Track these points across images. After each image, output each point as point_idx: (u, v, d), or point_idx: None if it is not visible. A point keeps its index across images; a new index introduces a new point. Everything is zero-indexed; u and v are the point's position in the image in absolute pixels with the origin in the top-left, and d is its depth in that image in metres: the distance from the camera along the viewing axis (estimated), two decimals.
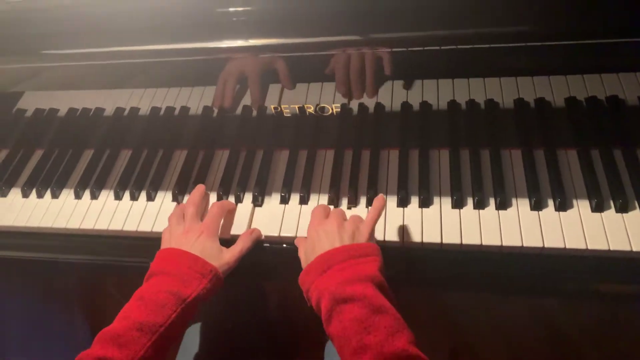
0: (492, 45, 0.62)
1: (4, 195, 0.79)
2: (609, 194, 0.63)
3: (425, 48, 0.64)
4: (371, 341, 0.48)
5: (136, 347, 0.52)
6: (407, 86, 0.75)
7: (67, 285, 1.31)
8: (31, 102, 0.91)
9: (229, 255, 0.63)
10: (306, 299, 0.57)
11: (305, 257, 0.60)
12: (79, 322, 1.31)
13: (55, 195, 0.77)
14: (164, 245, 0.65)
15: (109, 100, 0.87)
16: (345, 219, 0.62)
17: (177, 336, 0.58)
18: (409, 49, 0.63)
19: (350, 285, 0.52)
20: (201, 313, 0.79)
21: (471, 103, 0.74)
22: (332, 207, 0.67)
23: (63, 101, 0.89)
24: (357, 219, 0.62)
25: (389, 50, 0.65)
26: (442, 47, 0.64)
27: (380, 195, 0.63)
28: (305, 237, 0.65)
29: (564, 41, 0.60)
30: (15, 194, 0.79)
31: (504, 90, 0.74)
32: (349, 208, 0.69)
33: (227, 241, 0.66)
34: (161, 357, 0.56)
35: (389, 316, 0.50)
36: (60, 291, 1.29)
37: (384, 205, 0.63)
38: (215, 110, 0.82)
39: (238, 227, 0.69)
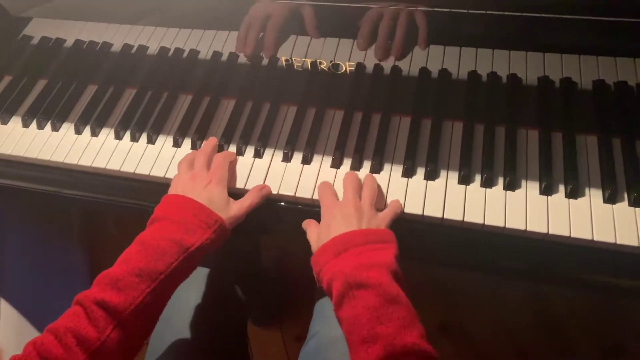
0: (524, 14, 0.58)
1: (4, 122, 0.78)
2: (624, 186, 0.60)
3: (452, 10, 0.60)
4: (383, 331, 0.46)
5: (135, 292, 0.52)
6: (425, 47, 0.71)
7: (67, 219, 1.32)
8: (38, 29, 0.88)
9: (237, 207, 0.61)
10: (316, 279, 0.56)
11: (318, 238, 0.58)
12: (77, 255, 1.33)
13: (55, 128, 0.76)
14: (171, 191, 0.63)
15: (117, 36, 0.85)
16: (359, 196, 0.60)
17: (177, 284, 0.57)
18: (434, 9, 0.59)
19: (366, 271, 0.50)
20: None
21: (493, 76, 0.70)
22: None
23: (70, 32, 0.86)
24: (373, 197, 0.60)
25: (413, 8, 0.61)
26: (470, 11, 0.60)
27: (397, 201, 0.62)
28: (313, 220, 0.62)
29: (600, 17, 0.56)
30: (15, 122, 0.78)
31: (529, 66, 0.71)
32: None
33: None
34: (160, 303, 0.55)
35: (403, 307, 0.48)
36: (60, 224, 1.30)
37: (400, 207, 0.61)
38: (226, 56, 0.79)
39: (237, 181, 0.67)
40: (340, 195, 0.62)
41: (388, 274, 0.50)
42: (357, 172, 0.65)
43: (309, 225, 0.62)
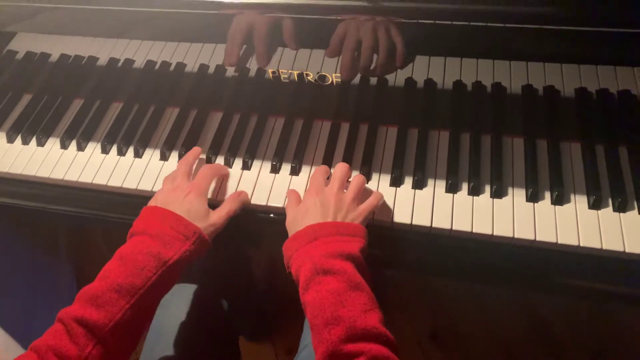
0: (506, 25, 0.59)
1: None
2: (609, 191, 0.61)
3: (436, 22, 0.61)
4: (345, 314, 0.48)
5: (114, 309, 0.51)
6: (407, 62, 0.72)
7: (54, 235, 1.30)
8: (23, 44, 0.87)
9: (216, 216, 0.61)
10: (286, 265, 0.57)
11: (294, 219, 0.59)
12: (65, 272, 1.31)
13: (40, 143, 0.75)
14: (151, 202, 0.63)
15: (103, 50, 0.84)
16: (344, 189, 0.60)
17: (159, 297, 0.57)
18: (419, 21, 0.60)
19: (332, 259, 0.52)
20: (185, 274, 0.79)
21: (478, 85, 0.71)
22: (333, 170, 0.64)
23: (56, 46, 0.86)
24: (357, 192, 0.60)
25: (398, 20, 0.62)
26: (454, 23, 0.61)
27: (379, 192, 0.63)
28: (296, 193, 0.63)
29: (582, 27, 0.57)
30: None
31: (513, 75, 0.72)
32: None
33: (214, 205, 0.64)
34: (142, 318, 0.55)
35: (365, 294, 0.51)
36: (47, 240, 1.28)
37: (381, 198, 0.63)
38: (213, 68, 0.79)
39: (226, 193, 0.67)
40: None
41: (351, 264, 0.53)
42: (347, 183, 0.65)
43: (290, 196, 0.63)
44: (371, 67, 0.70)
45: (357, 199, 0.60)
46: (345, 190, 0.61)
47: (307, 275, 0.52)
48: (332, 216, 0.57)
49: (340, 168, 0.62)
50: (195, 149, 0.69)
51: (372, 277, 0.54)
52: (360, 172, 0.66)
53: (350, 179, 0.63)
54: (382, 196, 0.63)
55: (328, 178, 0.64)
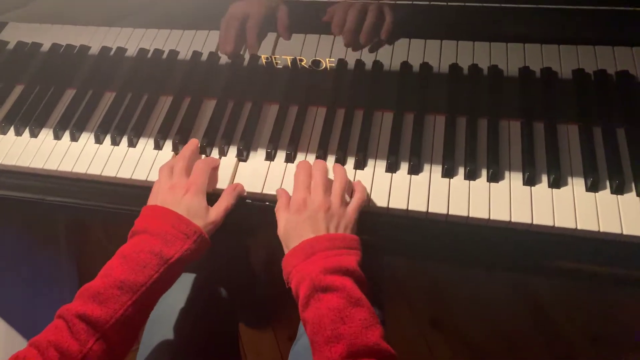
0: (502, 5, 0.58)
1: None
2: (606, 174, 0.61)
3: (432, 2, 0.60)
4: (346, 331, 0.48)
5: (116, 305, 0.52)
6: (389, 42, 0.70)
7: (53, 227, 1.31)
8: (14, 34, 0.86)
9: (215, 213, 0.61)
10: (285, 280, 0.56)
11: (287, 234, 0.58)
12: (65, 263, 1.32)
13: (34, 134, 0.74)
14: (151, 200, 0.63)
15: (95, 39, 0.83)
16: (329, 192, 0.59)
17: (159, 295, 0.57)
18: (414, 2, 0.59)
19: (331, 275, 0.52)
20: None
21: (474, 68, 0.70)
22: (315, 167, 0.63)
23: (47, 36, 0.85)
24: (342, 194, 0.60)
25: (392, 2, 0.61)
26: (450, 4, 0.60)
27: (361, 184, 0.62)
28: (286, 196, 0.62)
29: (579, 6, 0.56)
30: None
31: (509, 57, 0.71)
32: None
33: (208, 195, 0.64)
34: (142, 314, 0.55)
35: (365, 310, 0.50)
36: (47, 232, 1.28)
37: (366, 192, 0.62)
38: (206, 56, 0.78)
39: (221, 182, 0.66)
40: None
41: (351, 280, 0.52)
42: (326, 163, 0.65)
43: (280, 197, 0.62)
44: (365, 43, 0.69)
45: (344, 199, 0.60)
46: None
47: (306, 292, 0.52)
48: (325, 228, 0.56)
49: (319, 173, 0.61)
50: (192, 142, 0.68)
51: (369, 292, 0.53)
52: (356, 158, 0.65)
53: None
54: (365, 189, 0.62)
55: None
